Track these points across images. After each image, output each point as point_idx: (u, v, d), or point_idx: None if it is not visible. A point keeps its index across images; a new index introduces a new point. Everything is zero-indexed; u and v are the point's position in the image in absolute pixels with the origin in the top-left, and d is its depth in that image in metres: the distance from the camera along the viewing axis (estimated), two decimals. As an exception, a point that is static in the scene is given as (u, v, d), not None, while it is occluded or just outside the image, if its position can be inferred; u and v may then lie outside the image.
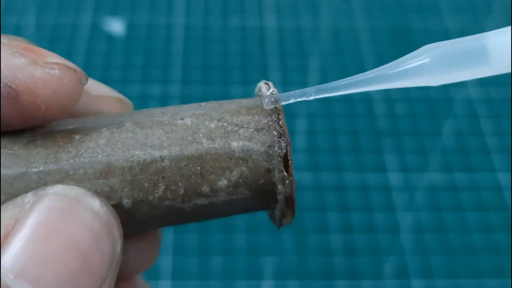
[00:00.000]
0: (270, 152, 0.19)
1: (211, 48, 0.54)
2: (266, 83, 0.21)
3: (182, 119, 0.19)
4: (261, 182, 0.19)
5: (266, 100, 0.19)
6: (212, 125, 0.19)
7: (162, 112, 0.19)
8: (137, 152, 0.18)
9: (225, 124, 0.19)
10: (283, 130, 0.19)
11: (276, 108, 0.20)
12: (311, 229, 0.45)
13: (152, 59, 0.53)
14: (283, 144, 0.19)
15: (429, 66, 0.17)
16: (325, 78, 0.52)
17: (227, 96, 0.44)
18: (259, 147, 0.19)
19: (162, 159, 0.18)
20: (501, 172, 0.47)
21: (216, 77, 0.51)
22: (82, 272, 0.15)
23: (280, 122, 0.19)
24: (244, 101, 0.20)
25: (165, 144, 0.18)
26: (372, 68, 0.19)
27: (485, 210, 0.45)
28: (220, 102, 0.20)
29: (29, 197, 0.16)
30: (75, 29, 0.55)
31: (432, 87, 0.50)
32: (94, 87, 0.22)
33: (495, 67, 0.16)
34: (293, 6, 0.58)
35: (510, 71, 0.16)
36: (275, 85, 0.21)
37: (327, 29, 0.56)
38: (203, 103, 0.20)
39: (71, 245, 0.15)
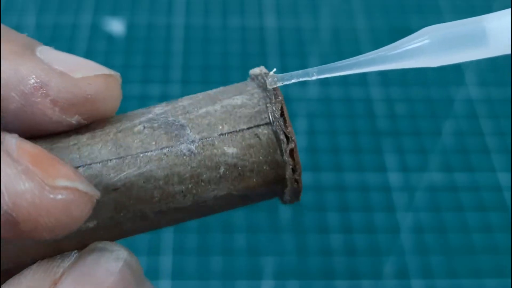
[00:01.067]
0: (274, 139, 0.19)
1: (211, 48, 0.54)
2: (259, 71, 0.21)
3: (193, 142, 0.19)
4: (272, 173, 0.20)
5: (269, 79, 0.19)
6: (225, 129, 0.19)
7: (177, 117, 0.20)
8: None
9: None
10: (288, 130, 0.19)
11: (275, 95, 0.20)
12: (311, 229, 0.45)
13: (152, 59, 0.53)
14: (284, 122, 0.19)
15: (428, 48, 0.17)
16: (325, 78, 0.52)
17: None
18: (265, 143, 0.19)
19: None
20: (501, 172, 0.47)
21: (216, 77, 0.51)
22: None
23: (286, 123, 0.19)
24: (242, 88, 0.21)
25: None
26: None
27: (485, 210, 0.46)
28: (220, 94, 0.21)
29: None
30: (75, 29, 0.55)
31: (432, 87, 0.50)
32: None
33: (493, 49, 0.16)
34: (293, 6, 0.58)
35: (508, 52, 0.16)
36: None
37: (327, 29, 0.57)
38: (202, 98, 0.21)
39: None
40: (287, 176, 0.20)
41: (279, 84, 0.19)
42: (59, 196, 0.16)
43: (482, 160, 0.48)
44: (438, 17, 0.57)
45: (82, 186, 0.17)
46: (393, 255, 0.44)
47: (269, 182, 0.20)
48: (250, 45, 0.55)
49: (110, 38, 0.55)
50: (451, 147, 0.49)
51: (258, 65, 0.54)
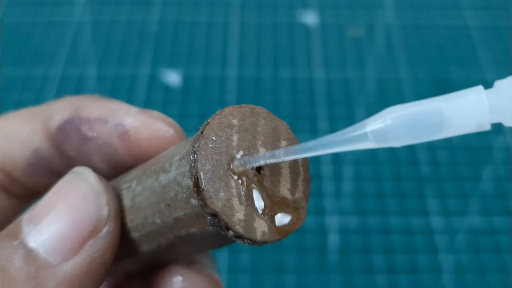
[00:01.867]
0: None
1: (262, 98, 0.55)
2: None
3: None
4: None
5: (236, 163, 0.18)
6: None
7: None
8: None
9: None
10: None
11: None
12: (358, 270, 0.46)
13: (207, 108, 0.55)
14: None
15: (390, 128, 0.17)
16: None
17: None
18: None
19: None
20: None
21: None
22: (68, 214, 0.18)
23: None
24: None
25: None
26: None
27: None
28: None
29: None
30: (134, 80, 0.57)
31: (472, 136, 0.52)
32: (154, 128, 0.22)
33: (450, 131, 0.16)
34: (340, 58, 0.60)
35: (469, 131, 0.16)
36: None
37: (373, 80, 0.58)
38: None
39: (66, 201, 0.18)
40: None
41: (246, 167, 0.18)
42: (153, 119, 0.21)
43: None
44: (478, 69, 0.58)
45: (168, 118, 0.22)
46: None
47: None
48: (299, 96, 0.56)
49: (167, 88, 0.56)
50: (490, 192, 0.50)
51: (307, 115, 0.55)
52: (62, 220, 0.18)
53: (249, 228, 0.18)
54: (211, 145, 0.18)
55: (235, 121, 0.19)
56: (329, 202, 0.49)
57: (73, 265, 0.18)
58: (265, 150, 0.19)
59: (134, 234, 0.21)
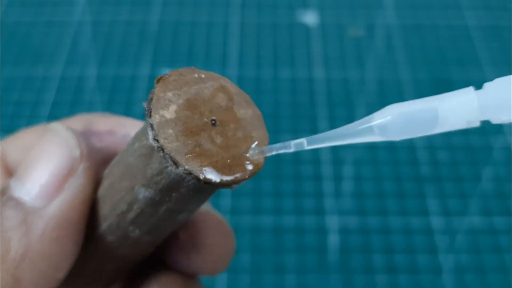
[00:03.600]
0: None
1: (263, 98, 0.56)
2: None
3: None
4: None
5: (251, 152, 0.19)
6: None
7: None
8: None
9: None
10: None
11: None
12: (358, 270, 0.46)
13: None
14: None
15: (390, 124, 0.18)
16: None
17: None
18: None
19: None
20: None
21: (268, 126, 0.53)
22: (45, 162, 0.20)
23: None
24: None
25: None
26: None
27: None
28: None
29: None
30: (134, 80, 0.57)
31: (472, 135, 0.52)
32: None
33: (444, 126, 0.19)
34: (340, 58, 0.60)
35: (461, 127, 0.18)
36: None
37: (373, 80, 0.58)
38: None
39: (42, 153, 0.20)
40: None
41: (260, 156, 0.19)
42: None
43: None
44: (478, 69, 0.59)
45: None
46: None
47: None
48: (299, 96, 0.57)
49: None
50: (490, 192, 0.50)
51: (307, 115, 0.55)
52: (41, 169, 0.20)
53: (182, 154, 0.18)
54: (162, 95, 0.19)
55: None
56: (329, 202, 0.50)
57: (57, 205, 0.20)
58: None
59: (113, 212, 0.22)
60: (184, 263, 0.24)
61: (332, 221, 0.49)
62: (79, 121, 0.23)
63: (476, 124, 0.18)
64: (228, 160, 0.19)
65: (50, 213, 0.19)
